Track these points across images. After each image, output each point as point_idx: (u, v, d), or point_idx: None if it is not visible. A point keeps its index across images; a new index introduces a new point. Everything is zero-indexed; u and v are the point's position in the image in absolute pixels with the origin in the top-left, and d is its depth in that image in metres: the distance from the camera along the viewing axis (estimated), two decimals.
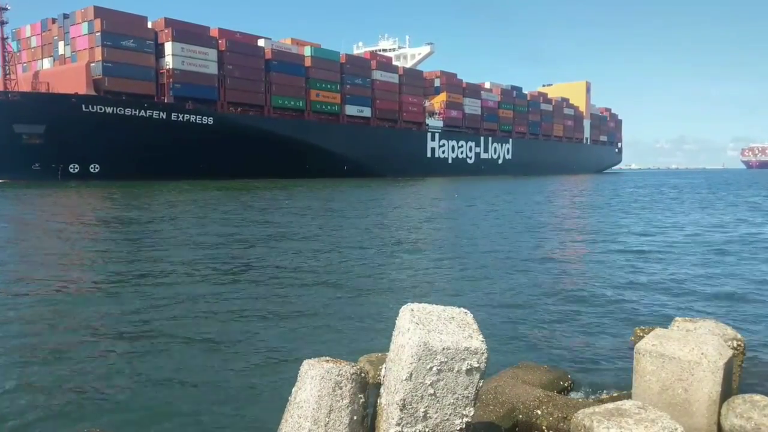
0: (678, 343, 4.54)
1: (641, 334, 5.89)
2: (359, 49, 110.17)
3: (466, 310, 3.85)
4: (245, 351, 7.33)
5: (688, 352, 4.43)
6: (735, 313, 9.41)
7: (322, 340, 7.76)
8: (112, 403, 5.77)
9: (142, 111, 60.25)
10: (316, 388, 3.43)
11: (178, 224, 21.84)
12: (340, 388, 3.45)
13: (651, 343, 4.57)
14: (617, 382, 6.20)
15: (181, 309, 9.42)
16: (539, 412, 4.54)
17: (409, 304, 3.78)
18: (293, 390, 3.55)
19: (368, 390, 3.68)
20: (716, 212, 30.91)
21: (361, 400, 3.57)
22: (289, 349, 7.35)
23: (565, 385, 5.22)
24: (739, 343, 5.38)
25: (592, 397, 5.50)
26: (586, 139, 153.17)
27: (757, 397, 4.34)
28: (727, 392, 4.48)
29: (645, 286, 11.70)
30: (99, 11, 60.86)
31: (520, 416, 4.54)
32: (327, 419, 3.39)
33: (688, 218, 27.45)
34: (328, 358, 3.64)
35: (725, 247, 17.48)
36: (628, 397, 4.77)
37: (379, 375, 3.79)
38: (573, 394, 5.31)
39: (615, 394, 5.46)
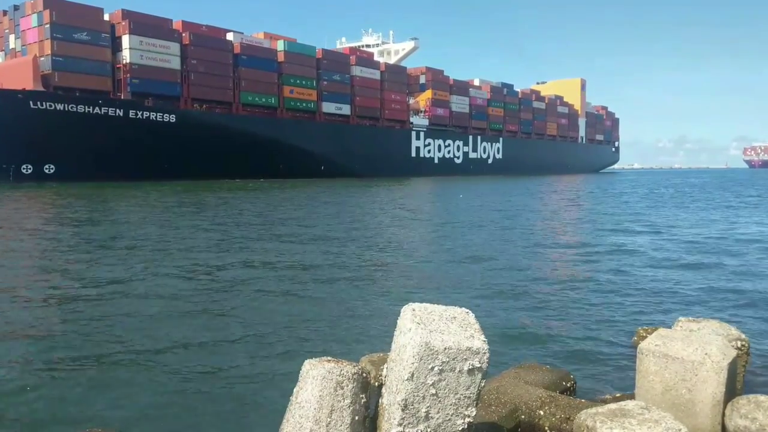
0: (681, 343, 4.77)
1: (644, 334, 6.22)
2: (342, 45, 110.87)
3: (467, 310, 4.08)
4: (246, 351, 7.67)
5: (691, 352, 4.65)
6: (739, 313, 9.87)
7: (324, 340, 8.14)
8: (111, 404, 6.03)
9: (97, 108, 59.83)
10: (317, 388, 3.64)
11: (156, 227, 21.92)
12: (342, 388, 3.67)
13: (654, 344, 4.81)
14: (620, 383, 6.54)
15: (180, 309, 9.78)
16: (542, 413, 4.78)
17: (410, 303, 3.98)
18: (294, 390, 3.77)
19: (370, 390, 3.90)
20: (726, 213, 31.82)
21: (363, 401, 3.78)
22: (291, 349, 7.72)
23: (568, 385, 5.48)
24: (743, 343, 5.69)
25: (595, 397, 5.78)
26: (582, 138, 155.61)
27: (762, 397, 4.54)
28: (731, 393, 4.71)
29: (648, 286, 12.23)
30: (48, 2, 60.32)
31: (523, 417, 4.79)
32: (328, 419, 3.61)
33: (695, 218, 28.32)
34: (329, 358, 3.85)
35: (730, 246, 18.15)
36: (631, 397, 5.01)
37: (381, 375, 4.00)
38: (576, 395, 5.58)
39: (618, 395, 5.72)
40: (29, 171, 57.74)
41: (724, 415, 4.58)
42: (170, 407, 5.97)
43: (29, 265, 14.16)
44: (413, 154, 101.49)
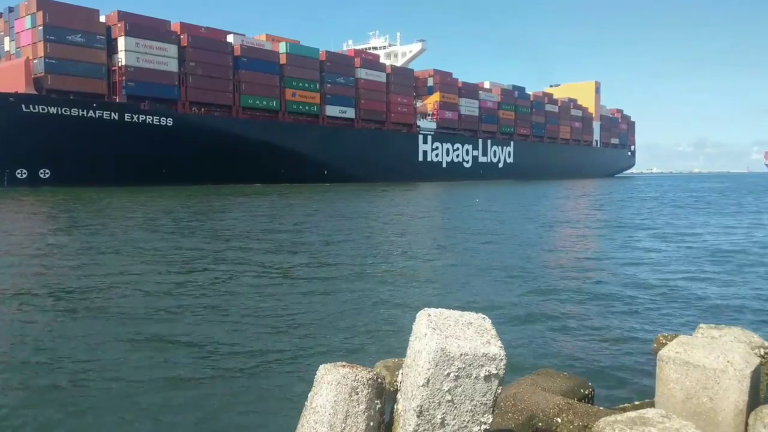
0: (702, 350, 4.84)
1: (664, 341, 6.30)
2: (349, 47, 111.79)
3: (484, 316, 4.17)
4: (260, 356, 7.91)
5: (713, 359, 4.71)
6: (762, 320, 9.96)
7: (339, 344, 8.37)
8: (123, 408, 6.22)
9: (91, 111, 60.34)
10: (332, 394, 3.75)
11: (158, 232, 22.16)
12: (357, 394, 3.78)
13: (674, 350, 4.88)
14: (639, 390, 6.65)
15: (189, 315, 10.07)
16: (559, 420, 4.86)
17: (426, 308, 4.07)
18: (309, 395, 3.88)
19: (385, 396, 4.01)
20: (744, 218, 31.99)
21: (378, 406, 3.89)
22: (305, 354, 7.95)
23: (586, 392, 5.57)
24: (767, 351, 5.77)
25: (614, 405, 5.87)
26: (596, 141, 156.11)
27: None
28: (754, 402, 4.76)
29: (668, 292, 12.37)
30: (42, 3, 60.96)
31: (540, 424, 4.86)
32: (343, 425, 3.71)
33: (715, 223, 28.46)
34: (344, 363, 3.97)
35: (753, 252, 18.27)
36: (651, 405, 5.09)
37: (396, 381, 4.11)
38: (594, 402, 5.67)
39: (637, 403, 5.78)
40: (24, 176, 58.34)
41: (747, 424, 4.61)
42: (182, 413, 6.14)
43: (24, 271, 14.31)
44: (420, 159, 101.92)
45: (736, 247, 19.93)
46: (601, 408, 5.20)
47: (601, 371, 7.39)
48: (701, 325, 5.89)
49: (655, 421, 4.00)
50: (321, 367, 3.92)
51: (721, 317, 10.08)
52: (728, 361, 4.69)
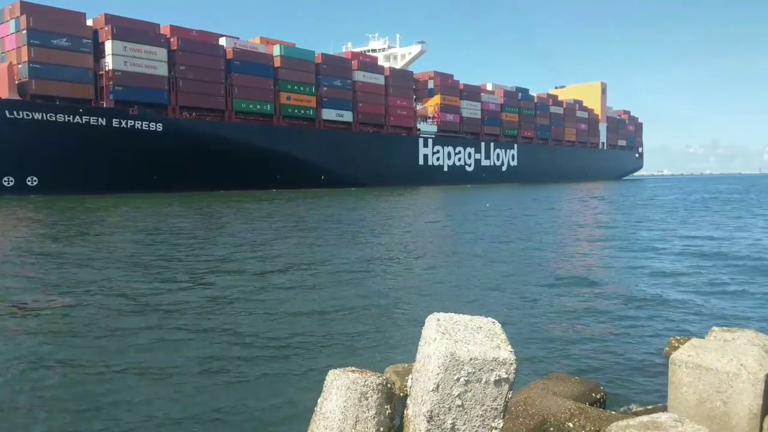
0: (715, 353, 4.92)
1: (676, 344, 6.41)
2: (348, 50, 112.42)
3: (494, 320, 4.27)
4: (270, 362, 8.09)
5: (726, 363, 4.79)
6: None
7: (348, 350, 8.55)
8: (133, 417, 6.35)
9: (77, 117, 60.52)
10: (341, 399, 3.86)
11: (156, 240, 22.35)
12: (366, 399, 3.89)
13: (687, 354, 4.96)
14: (652, 395, 6.77)
15: (198, 321, 10.26)
16: (571, 425, 4.96)
17: (435, 313, 4.17)
18: (319, 400, 3.99)
19: (394, 401, 4.12)
20: (755, 218, 32.24)
21: (388, 412, 3.99)
22: (315, 359, 8.12)
23: (598, 397, 5.68)
24: None
25: (626, 409, 5.99)
26: (603, 143, 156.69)
27: None
28: None
29: (680, 295, 12.51)
30: (26, 7, 61.27)
31: (551, 429, 4.97)
32: (353, 430, 3.83)
33: (727, 224, 28.67)
34: (353, 368, 4.08)
35: (766, 254, 18.39)
36: (664, 409, 5.17)
37: (406, 386, 4.21)
38: (606, 407, 5.79)
39: (650, 407, 5.88)
40: (11, 183, 58.44)
41: (761, 428, 4.69)
42: (192, 420, 6.26)
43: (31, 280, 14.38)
44: (421, 162, 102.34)
45: (748, 249, 20.05)
46: (613, 412, 5.31)
47: (613, 375, 7.52)
48: (714, 327, 5.98)
49: (667, 425, 4.08)
50: (330, 372, 4.03)
51: (734, 320, 10.20)
52: (742, 365, 4.76)
